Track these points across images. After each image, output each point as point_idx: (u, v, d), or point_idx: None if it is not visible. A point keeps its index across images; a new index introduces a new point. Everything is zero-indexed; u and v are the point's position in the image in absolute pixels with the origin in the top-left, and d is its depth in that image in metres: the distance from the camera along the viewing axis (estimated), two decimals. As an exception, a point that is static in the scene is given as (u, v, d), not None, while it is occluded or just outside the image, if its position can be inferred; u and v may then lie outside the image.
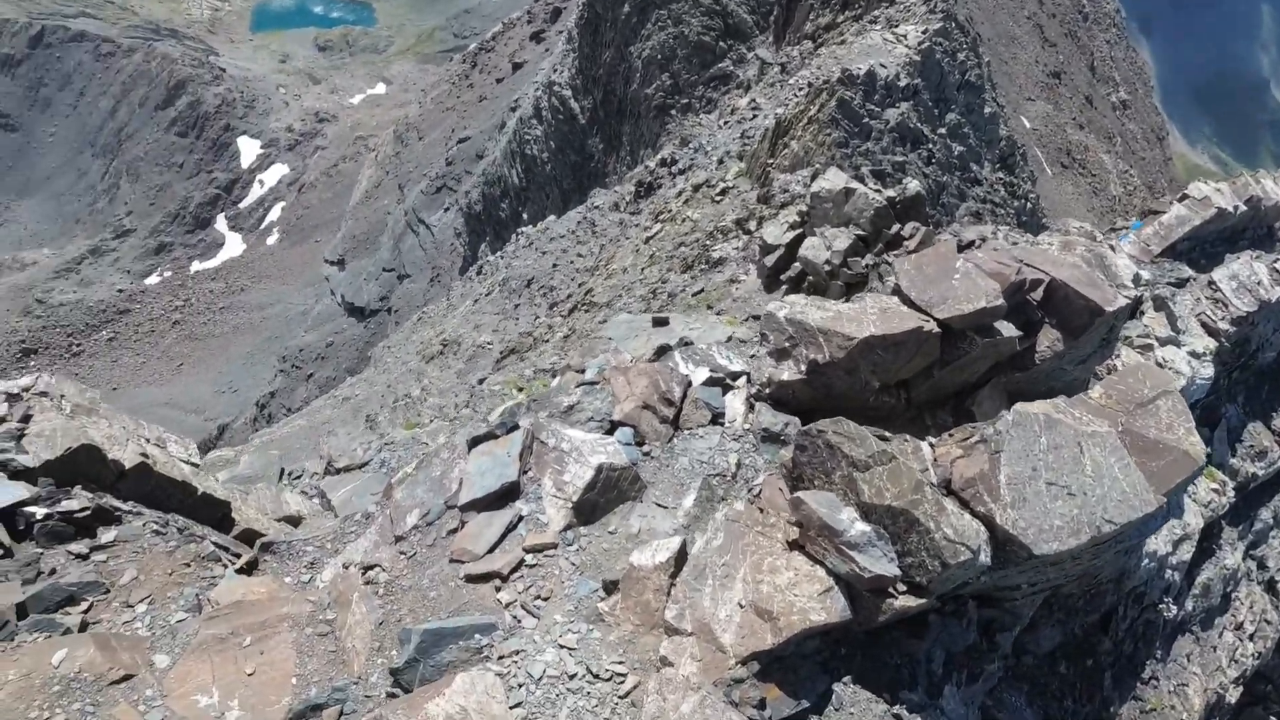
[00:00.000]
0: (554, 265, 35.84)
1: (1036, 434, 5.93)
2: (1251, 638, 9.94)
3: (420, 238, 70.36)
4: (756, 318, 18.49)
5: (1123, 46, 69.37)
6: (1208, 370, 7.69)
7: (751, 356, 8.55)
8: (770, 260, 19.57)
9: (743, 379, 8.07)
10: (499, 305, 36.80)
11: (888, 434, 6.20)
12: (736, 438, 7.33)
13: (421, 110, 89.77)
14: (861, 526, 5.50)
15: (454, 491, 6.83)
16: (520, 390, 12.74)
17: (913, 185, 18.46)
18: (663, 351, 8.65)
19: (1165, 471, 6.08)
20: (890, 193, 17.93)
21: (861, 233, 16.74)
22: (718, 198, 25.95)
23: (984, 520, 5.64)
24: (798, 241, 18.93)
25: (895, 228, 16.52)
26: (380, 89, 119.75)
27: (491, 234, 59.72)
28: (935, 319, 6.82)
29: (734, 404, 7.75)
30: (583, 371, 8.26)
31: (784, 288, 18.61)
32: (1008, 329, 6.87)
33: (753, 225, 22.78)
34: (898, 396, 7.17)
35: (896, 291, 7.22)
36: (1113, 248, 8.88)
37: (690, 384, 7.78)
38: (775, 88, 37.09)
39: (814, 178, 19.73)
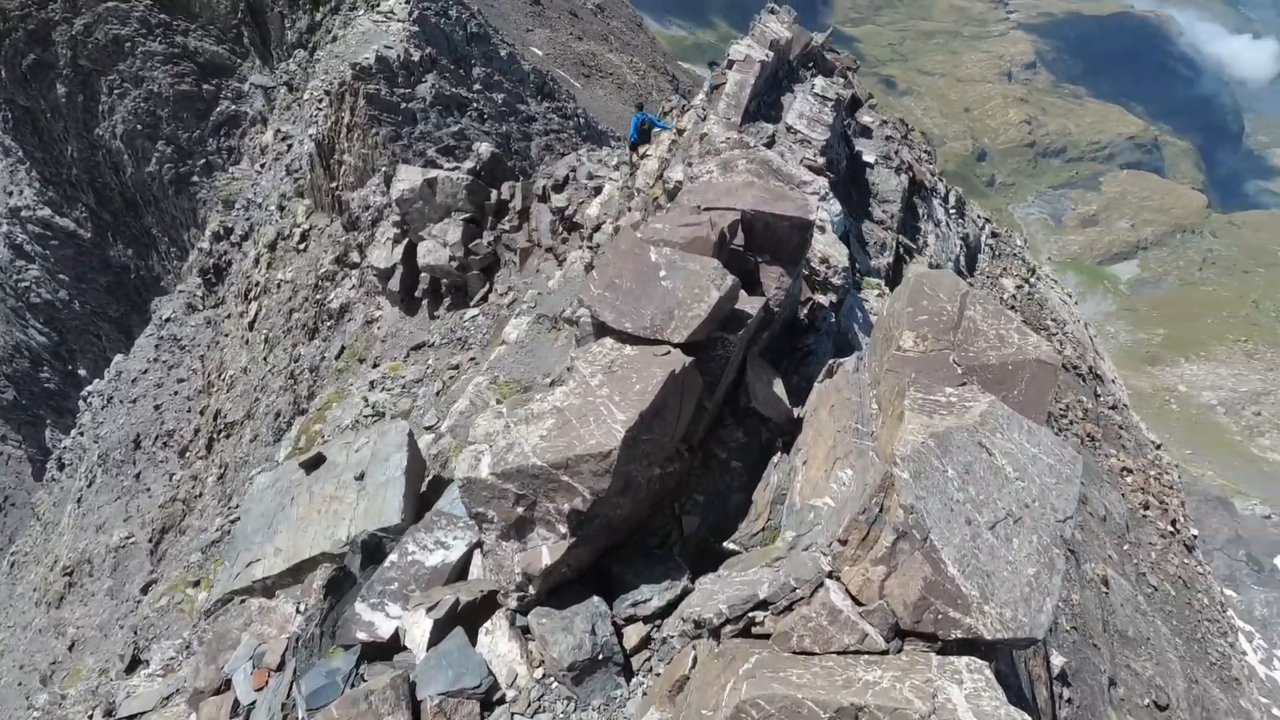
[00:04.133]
0: (157, 408, 28.89)
1: (940, 470, 4.00)
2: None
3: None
4: (419, 348, 17.10)
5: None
6: (836, 206, 8.66)
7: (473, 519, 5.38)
8: (394, 283, 17.96)
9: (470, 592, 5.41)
10: (114, 487, 28.80)
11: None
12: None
13: None
14: None
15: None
16: (195, 586, 9.78)
17: (484, 148, 18.20)
18: (319, 568, 6.28)
19: (1032, 395, 4.72)
20: (468, 164, 17.45)
21: (466, 215, 16.12)
22: (300, 247, 22.89)
23: (975, 648, 3.76)
24: (410, 252, 17.62)
25: (494, 195, 16.24)
26: None
27: (50, 414, 46.13)
28: (675, 344, 5.24)
29: (496, 653, 5.06)
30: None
31: (424, 303, 17.30)
32: (751, 303, 5.81)
33: (355, 257, 20.64)
34: (682, 456, 5.64)
35: (605, 331, 5.46)
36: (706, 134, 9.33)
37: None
38: (293, 109, 33.53)
39: (388, 183, 18.30)
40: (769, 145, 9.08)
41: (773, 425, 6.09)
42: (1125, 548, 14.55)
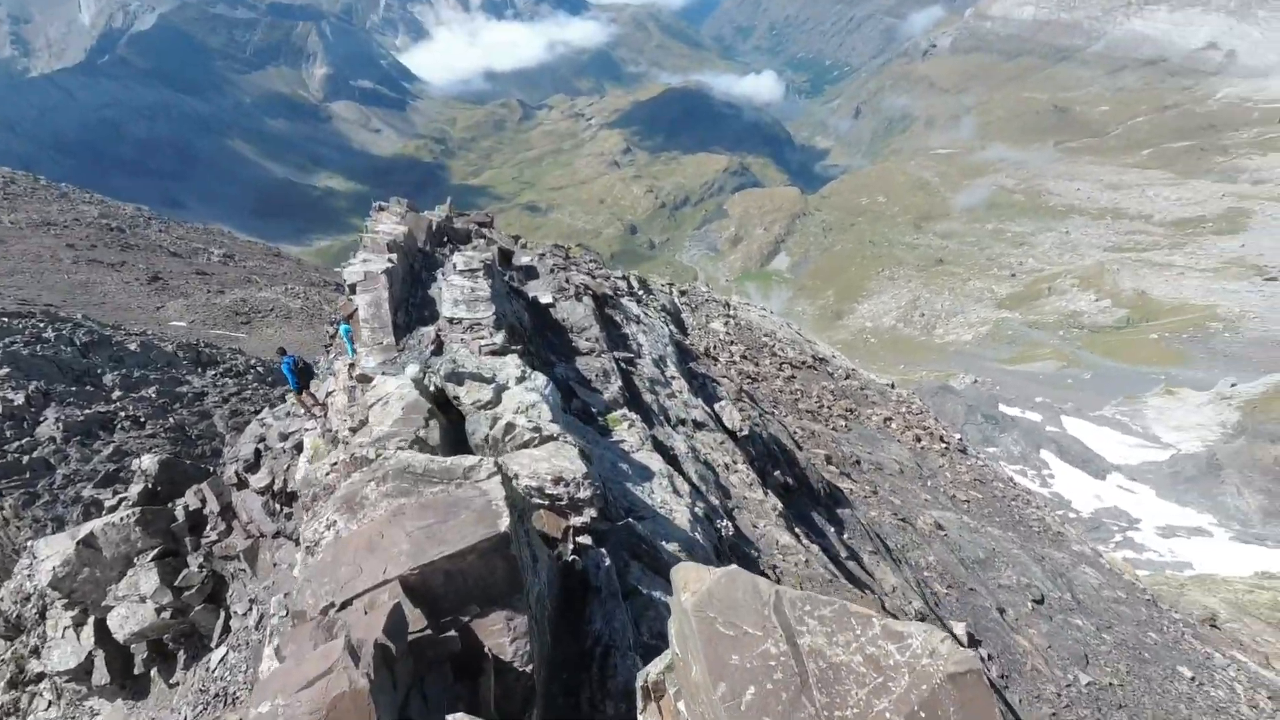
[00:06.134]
0: None
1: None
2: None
3: None
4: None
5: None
6: (540, 378, 6.88)
7: None
8: (99, 676, 13.74)
9: None
10: None
11: None
12: None
13: None
14: None
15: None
16: None
17: (147, 461, 15.11)
18: None
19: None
20: (135, 488, 14.31)
21: (155, 549, 12.96)
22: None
23: None
24: (103, 630, 13.65)
25: (181, 509, 13.30)
26: None
27: None
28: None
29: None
30: None
31: (153, 673, 13.42)
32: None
33: (35, 667, 15.56)
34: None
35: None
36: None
37: None
38: None
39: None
40: (436, 351, 8.08)
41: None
42: (929, 484, 16.37)
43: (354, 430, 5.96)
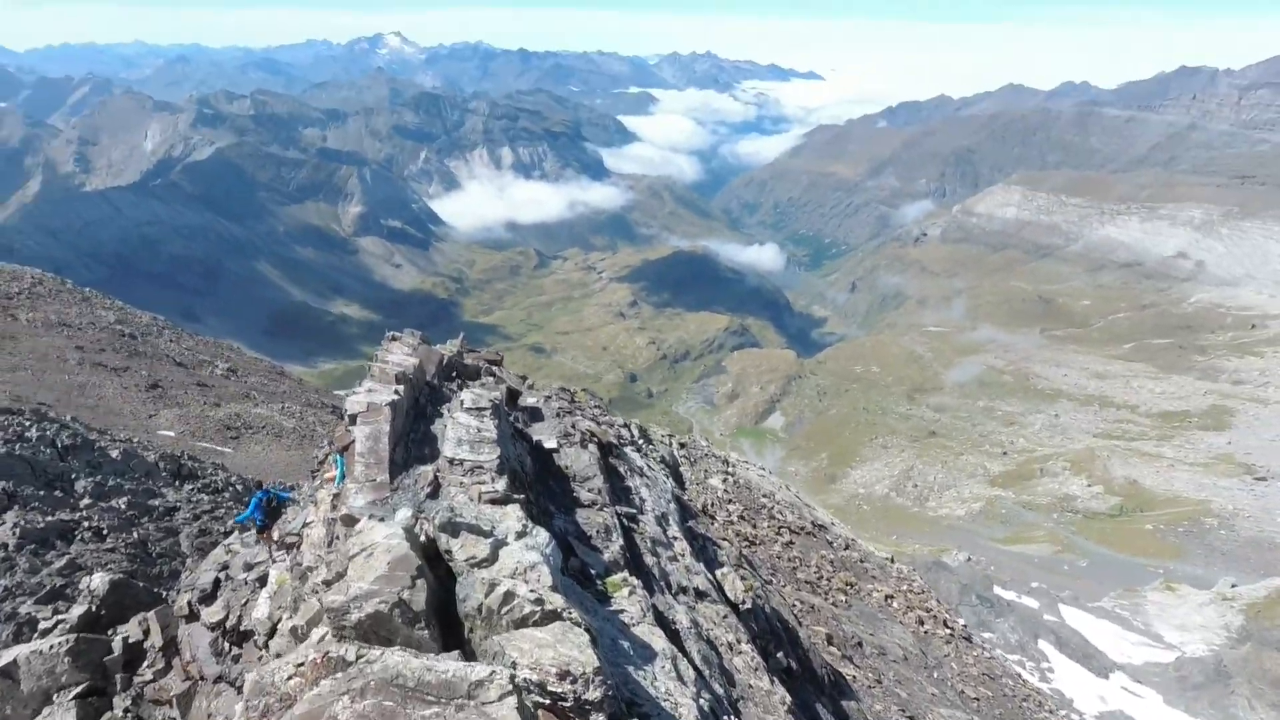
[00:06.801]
0: None
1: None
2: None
3: None
4: None
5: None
6: (542, 535, 6.29)
7: None
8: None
9: None
10: None
11: None
12: None
13: None
14: None
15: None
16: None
17: (97, 580, 14.07)
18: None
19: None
20: (77, 609, 13.16)
21: (79, 686, 11.62)
22: None
23: None
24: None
25: (120, 641, 12.05)
26: None
27: None
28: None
29: None
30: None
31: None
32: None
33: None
34: None
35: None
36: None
37: None
38: None
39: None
40: (432, 494, 7.18)
41: None
42: (935, 675, 15.17)
43: (328, 583, 5.32)
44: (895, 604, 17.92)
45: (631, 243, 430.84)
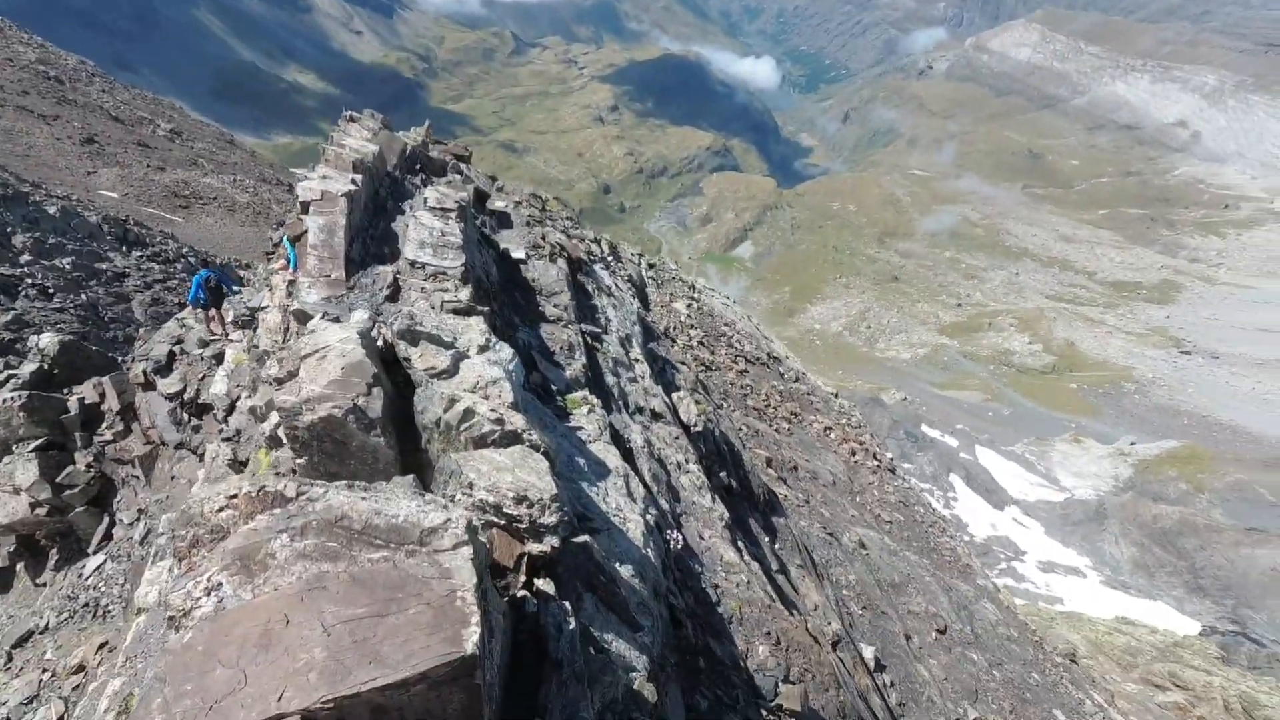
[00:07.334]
0: None
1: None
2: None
3: None
4: None
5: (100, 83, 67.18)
6: (505, 350, 6.10)
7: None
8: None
9: None
10: None
11: None
12: None
13: None
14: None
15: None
16: None
17: (46, 339, 13.81)
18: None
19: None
20: (28, 367, 13.05)
21: (38, 440, 11.81)
22: None
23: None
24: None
25: (76, 401, 12.09)
26: None
27: None
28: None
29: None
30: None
31: (20, 568, 12.38)
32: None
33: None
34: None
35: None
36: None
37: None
38: None
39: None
40: (391, 298, 6.61)
41: None
42: (858, 499, 16.69)
43: (279, 380, 5.10)
44: (833, 435, 19.26)
45: (619, 38, 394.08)
